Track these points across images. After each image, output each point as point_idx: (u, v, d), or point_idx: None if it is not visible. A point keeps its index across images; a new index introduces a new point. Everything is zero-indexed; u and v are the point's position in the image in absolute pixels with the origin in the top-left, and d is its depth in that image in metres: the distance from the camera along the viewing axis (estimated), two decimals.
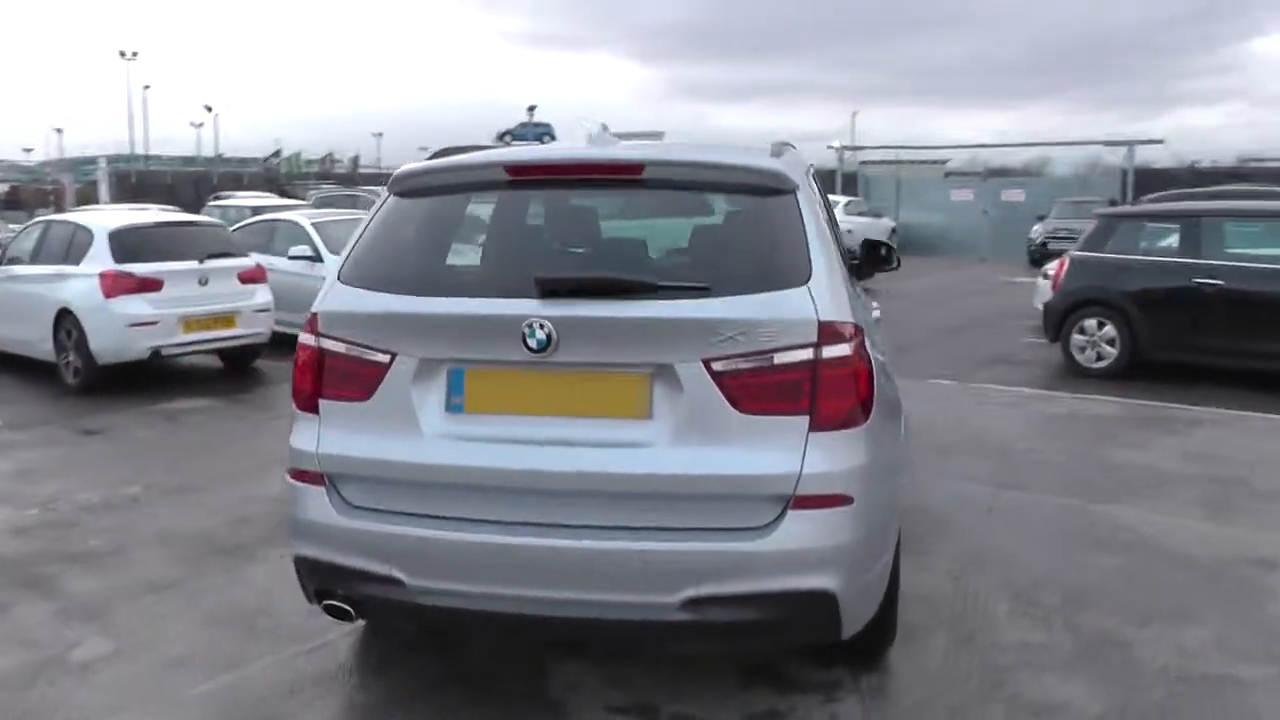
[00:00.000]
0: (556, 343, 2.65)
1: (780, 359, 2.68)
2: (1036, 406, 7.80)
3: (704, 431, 2.67)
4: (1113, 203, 22.58)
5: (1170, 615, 3.90)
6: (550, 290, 2.69)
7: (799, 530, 2.67)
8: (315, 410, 2.93)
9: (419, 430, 2.79)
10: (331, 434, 2.88)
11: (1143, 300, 8.58)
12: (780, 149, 3.23)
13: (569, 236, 3.15)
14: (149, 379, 8.48)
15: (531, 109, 49.29)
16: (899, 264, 4.34)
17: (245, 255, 8.71)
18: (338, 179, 39.89)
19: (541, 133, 52.06)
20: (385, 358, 2.81)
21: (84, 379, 7.92)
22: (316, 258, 9.88)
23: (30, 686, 3.38)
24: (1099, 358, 8.89)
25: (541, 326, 2.65)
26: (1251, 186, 16.24)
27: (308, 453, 2.91)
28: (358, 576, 2.83)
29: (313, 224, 10.31)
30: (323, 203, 17.07)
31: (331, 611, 2.95)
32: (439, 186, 3.13)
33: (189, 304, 7.99)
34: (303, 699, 3.26)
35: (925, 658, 3.54)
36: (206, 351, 8.65)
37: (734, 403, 2.67)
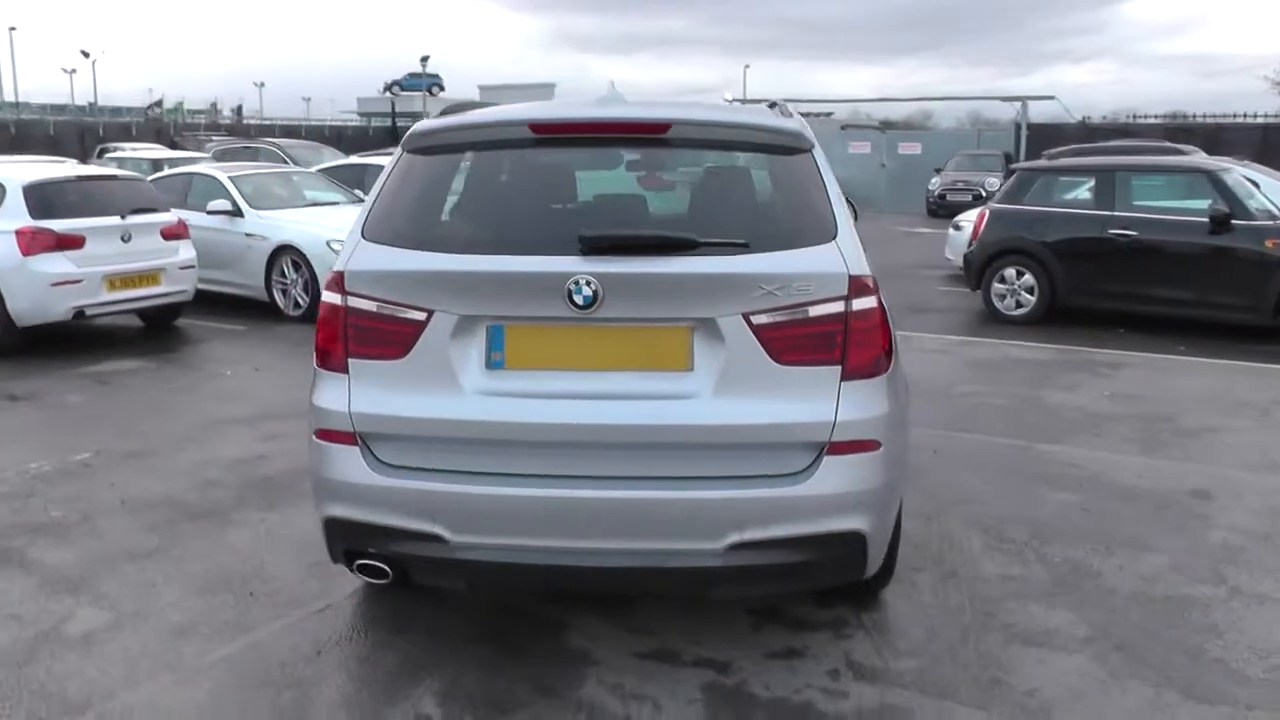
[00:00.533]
0: (602, 299, 2.69)
1: (814, 311, 2.78)
2: (966, 352, 8.16)
3: (744, 382, 2.76)
4: (1008, 157, 23.47)
5: (1128, 544, 4.21)
6: (594, 247, 2.72)
7: (834, 475, 2.80)
8: (343, 369, 2.88)
9: (459, 387, 2.79)
10: (364, 393, 2.85)
11: (1060, 250, 9.03)
12: (784, 109, 3.30)
13: (598, 195, 3.15)
14: (70, 341, 8.08)
15: (424, 59, 48.12)
16: (857, 216, 4.50)
17: (167, 210, 8.32)
18: (228, 130, 38.12)
19: (431, 83, 50.91)
20: (422, 315, 2.79)
21: (2, 343, 7.48)
22: (236, 212, 9.53)
23: (31, 661, 3.26)
24: (1018, 305, 9.33)
25: (588, 283, 2.68)
26: (1141, 141, 17.11)
27: (337, 412, 2.87)
28: (396, 535, 2.83)
29: (230, 178, 9.90)
30: (222, 155, 16.32)
31: (364, 571, 2.94)
32: (460, 144, 3.10)
33: (112, 261, 7.60)
34: (328, 662, 3.25)
35: (917, 594, 3.74)
36: (131, 311, 8.26)
37: (772, 354, 2.77)
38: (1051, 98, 29.11)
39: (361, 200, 10.77)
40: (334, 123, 42.66)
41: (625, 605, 3.59)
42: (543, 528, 2.77)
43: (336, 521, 2.91)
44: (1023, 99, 27.34)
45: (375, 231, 2.92)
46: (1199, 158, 11.31)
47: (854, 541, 2.86)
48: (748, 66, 78.86)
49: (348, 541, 2.94)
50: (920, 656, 3.29)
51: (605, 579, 2.92)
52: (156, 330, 8.77)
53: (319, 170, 12.25)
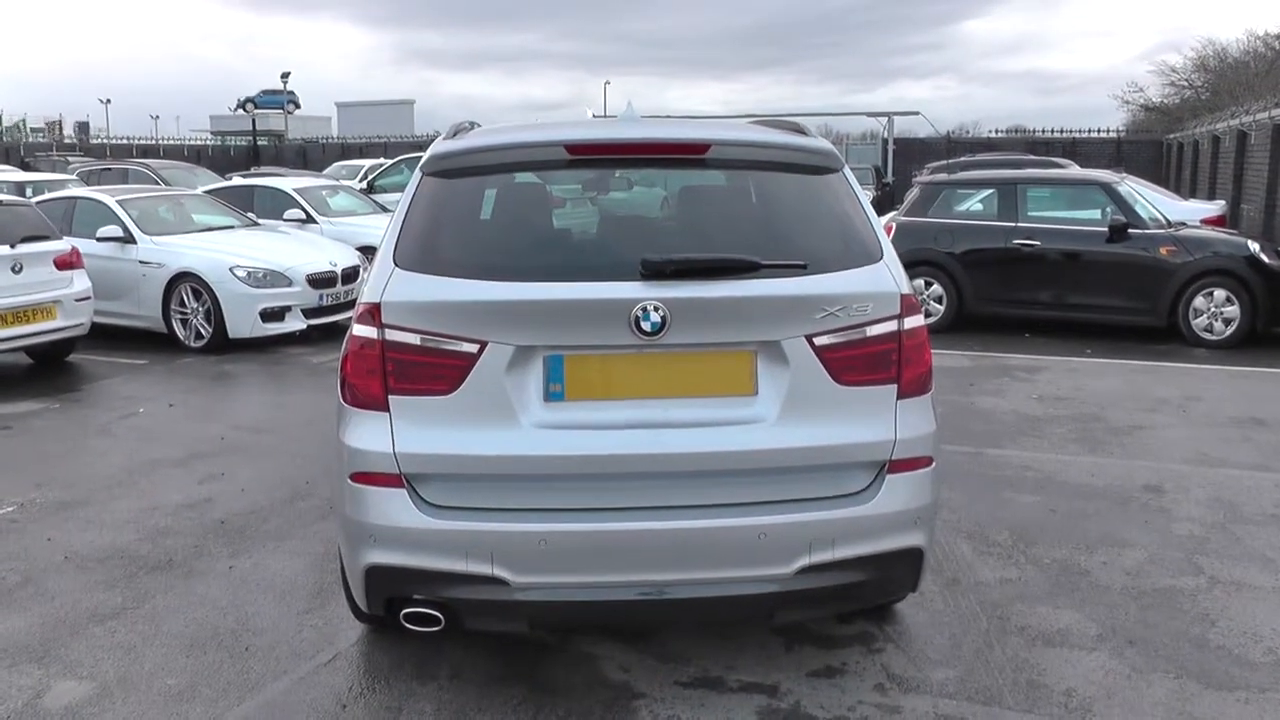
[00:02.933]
0: (669, 325, 2.62)
1: (871, 331, 2.80)
2: None
3: (808, 404, 2.74)
4: (878, 170, 24.43)
5: (1104, 542, 4.40)
6: (657, 272, 2.65)
7: (896, 493, 2.81)
8: (382, 407, 2.71)
9: (517, 422, 2.66)
10: (410, 431, 2.68)
11: (967, 260, 9.44)
12: (803, 128, 3.32)
13: (640, 217, 3.08)
14: None
15: (285, 76, 46.50)
16: None
17: (59, 238, 7.71)
18: (82, 150, 35.75)
19: (287, 100, 49.24)
20: (474, 348, 2.65)
21: None
22: (128, 239, 8.92)
23: None
24: (927, 314, 9.66)
25: (656, 309, 2.61)
26: (1012, 154, 18.11)
27: (378, 453, 2.69)
28: (451, 579, 2.67)
29: (118, 201, 9.27)
30: (88, 178, 15.25)
31: (413, 620, 2.76)
32: (488, 166, 2.97)
33: (3, 294, 6.99)
34: (357, 717, 3.04)
35: (928, 603, 3.80)
36: (22, 349, 7.61)
37: (834, 375, 2.76)
38: (916, 113, 30.51)
39: (257, 224, 10.28)
40: (193, 141, 40.54)
41: (651, 633, 3.51)
42: (611, 563, 2.67)
43: (380, 569, 2.72)
44: (889, 114, 28.57)
45: (409, 259, 2.76)
46: (1094, 170, 12.06)
47: (913, 558, 2.89)
48: (608, 83, 79.29)
49: (392, 590, 2.76)
50: (955, 665, 3.34)
51: (673, 611, 2.85)
52: (48, 368, 8.11)
53: (206, 192, 11.62)
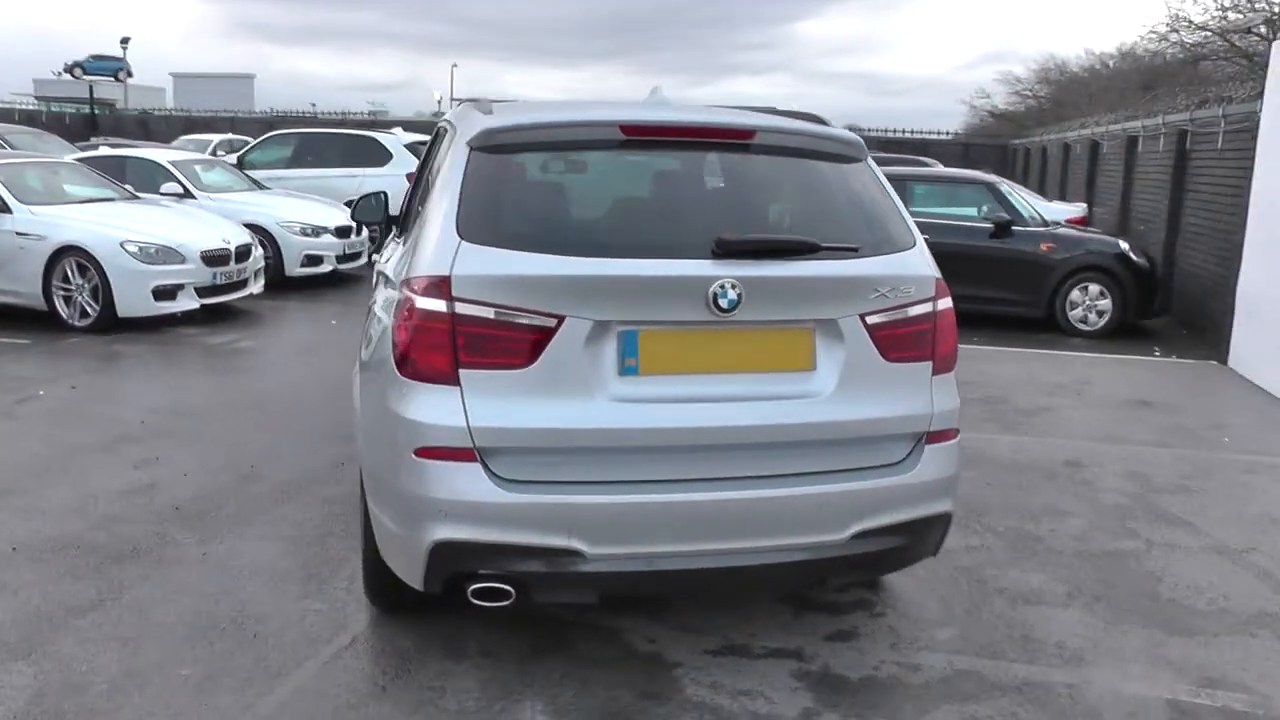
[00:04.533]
0: (742, 302, 2.72)
1: (912, 312, 2.99)
2: None
3: (860, 380, 2.90)
4: None
5: (1046, 512, 4.79)
6: (729, 250, 2.74)
7: (932, 462, 3.02)
8: (452, 381, 2.68)
9: (594, 395, 2.70)
10: (483, 405, 2.66)
11: None
12: (823, 119, 3.48)
13: (694, 198, 3.13)
14: None
15: (125, 41, 43.42)
16: None
17: None
18: None
19: (118, 68, 46.03)
20: (552, 322, 2.66)
21: None
22: (3, 208, 8.21)
23: None
24: None
25: (733, 287, 2.70)
26: (882, 154, 18.99)
27: (449, 427, 2.66)
28: (525, 553, 2.68)
29: None
30: None
31: (481, 596, 2.75)
32: (543, 143, 2.98)
33: None
34: (403, 698, 2.99)
35: (910, 570, 4.01)
36: None
37: (882, 352, 2.93)
38: (774, 109, 31.34)
39: (137, 197, 9.66)
40: (25, 106, 37.10)
41: (665, 606, 3.60)
42: (682, 533, 2.75)
43: (449, 545, 2.69)
44: (746, 110, 29.29)
45: (475, 233, 2.74)
46: (977, 171, 12.82)
47: (943, 522, 3.10)
48: (455, 65, 77.71)
49: (459, 566, 2.74)
50: (952, 625, 3.59)
51: (736, 578, 2.94)
52: None
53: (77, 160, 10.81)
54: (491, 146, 2.92)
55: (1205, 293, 9.21)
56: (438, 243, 2.76)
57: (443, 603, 3.33)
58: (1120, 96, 21.38)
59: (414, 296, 2.74)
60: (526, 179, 2.94)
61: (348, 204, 11.21)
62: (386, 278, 3.61)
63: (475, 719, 2.90)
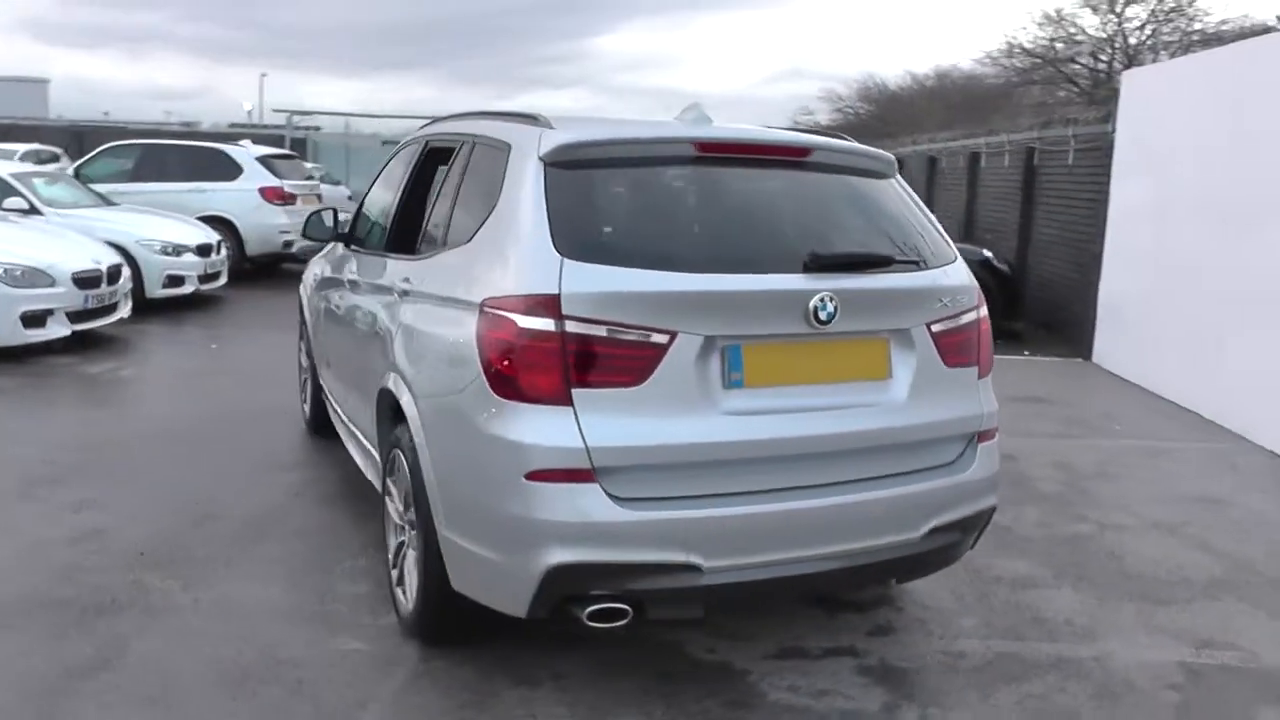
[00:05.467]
0: (838, 314, 2.81)
1: (963, 320, 3.19)
2: None
3: (927, 385, 3.06)
4: None
5: (1002, 502, 5.09)
6: (822, 265, 2.83)
7: (983, 460, 3.22)
8: (564, 401, 2.63)
9: (705, 410, 2.72)
10: (599, 424, 2.63)
11: None
12: (849, 137, 3.65)
13: (775, 213, 3.17)
14: None
15: None
16: None
17: None
18: None
19: None
20: (665, 338, 2.66)
21: None
22: None
23: None
24: None
25: (831, 299, 2.79)
26: None
27: (566, 449, 2.61)
28: (642, 571, 2.66)
29: None
30: None
31: (597, 617, 2.70)
32: (619, 159, 2.98)
33: None
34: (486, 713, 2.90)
35: None
36: None
37: (944, 358, 3.10)
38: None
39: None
40: None
41: (709, 616, 3.63)
42: (787, 540, 2.80)
43: (566, 568, 2.63)
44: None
45: (575, 250, 2.70)
46: None
47: (989, 516, 3.31)
48: (264, 75, 74.09)
49: (573, 589, 2.68)
50: (972, 613, 3.81)
51: (834, 581, 3.03)
52: None
53: None
54: (568, 162, 2.89)
55: (1064, 297, 10.09)
56: (532, 260, 2.70)
57: (487, 631, 3.28)
58: (947, 114, 23.05)
59: (513, 316, 2.67)
60: (611, 195, 2.93)
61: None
62: (403, 292, 3.48)
63: None
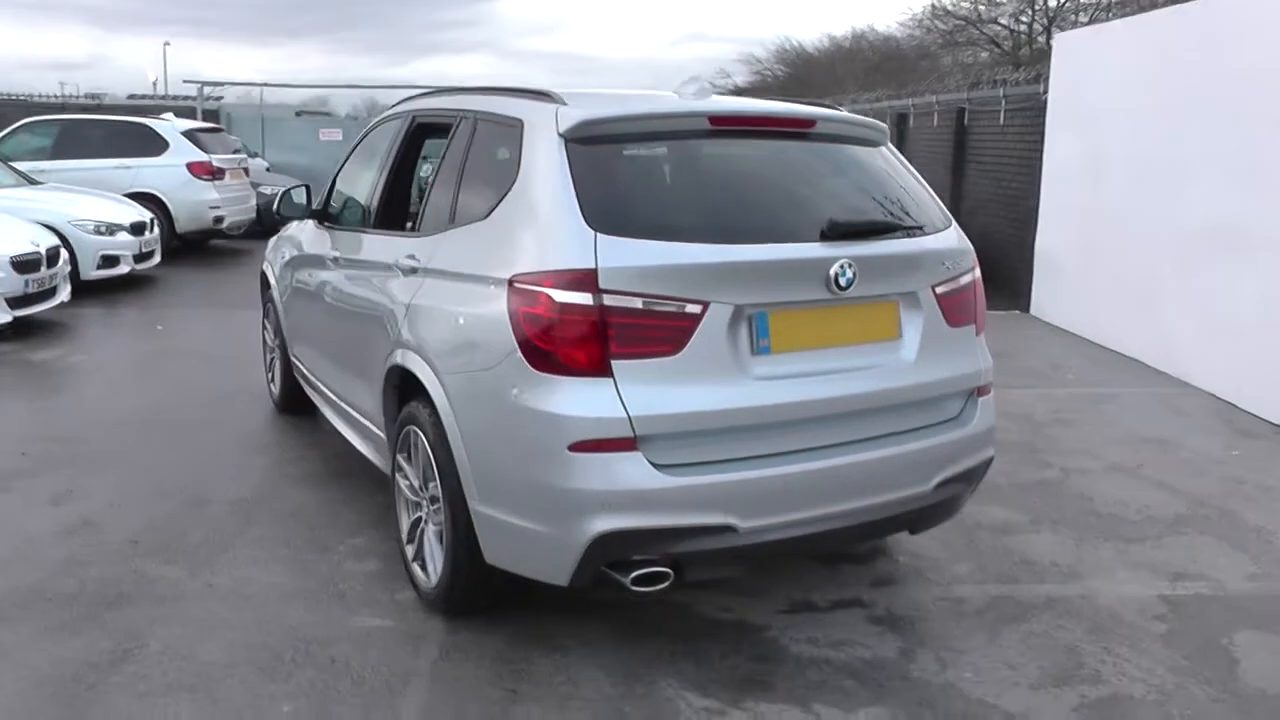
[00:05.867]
0: (855, 280, 2.92)
1: (962, 281, 3.33)
2: None
3: (933, 344, 3.20)
4: None
5: None
6: (840, 233, 2.94)
7: (983, 414, 3.39)
8: (603, 372, 2.69)
9: (736, 376, 2.81)
10: (639, 394, 2.70)
11: None
12: (839, 105, 3.74)
13: (786, 183, 3.24)
14: None
15: None
16: None
17: None
18: None
19: None
20: (698, 309, 2.74)
21: None
22: None
23: None
24: None
25: (850, 266, 2.89)
26: None
27: (608, 419, 2.68)
28: (683, 534, 2.76)
29: None
30: None
31: (642, 581, 2.79)
32: (636, 134, 3.03)
33: None
34: (540, 698, 2.96)
35: None
36: None
37: (947, 319, 3.25)
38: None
39: None
40: None
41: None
42: (816, 498, 2.93)
43: (612, 535, 2.71)
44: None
45: (607, 225, 2.75)
46: None
47: (988, 466, 3.48)
48: (168, 43, 70.72)
49: (617, 555, 2.76)
50: (964, 560, 4.01)
51: (855, 534, 3.17)
52: None
53: None
54: (588, 138, 2.93)
55: (1000, 251, 10.41)
56: (566, 236, 2.74)
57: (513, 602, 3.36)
58: (867, 76, 23.40)
59: (550, 291, 2.71)
60: (632, 169, 2.97)
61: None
62: (410, 270, 3.47)
63: (623, 704, 2.93)
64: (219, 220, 12.43)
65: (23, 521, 4.25)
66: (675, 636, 3.32)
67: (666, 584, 2.82)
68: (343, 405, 4.40)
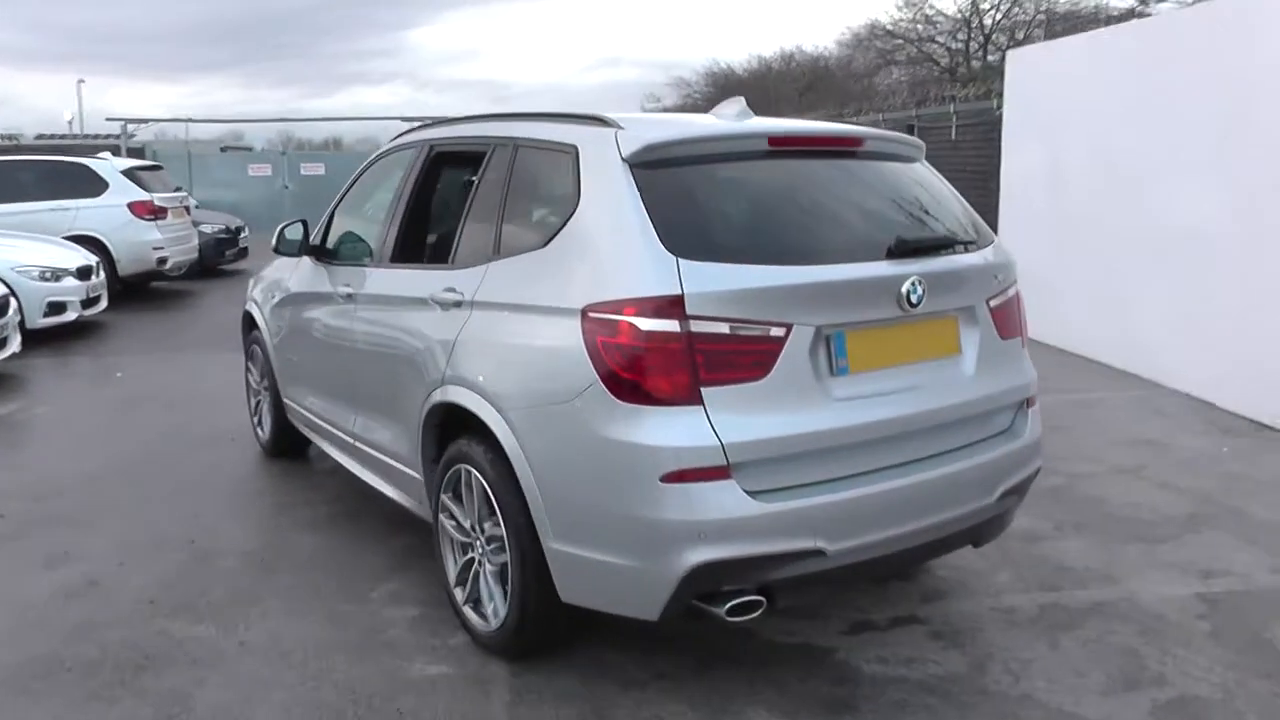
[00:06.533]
0: (924, 297, 2.94)
1: (1009, 294, 3.38)
2: None
3: (989, 358, 3.23)
4: None
5: None
6: (907, 251, 2.95)
7: (1032, 425, 3.42)
8: (693, 400, 2.65)
9: (819, 398, 2.79)
10: (730, 420, 2.66)
11: None
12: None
13: (846, 202, 3.21)
14: None
15: None
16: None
17: None
18: None
19: None
20: (782, 331, 2.72)
21: None
22: None
23: None
24: None
25: (920, 283, 2.90)
26: None
27: (703, 447, 2.63)
28: (775, 561, 2.71)
29: None
30: None
31: (737, 611, 2.73)
32: (698, 156, 3.00)
33: None
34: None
35: None
36: None
37: (1000, 332, 3.28)
38: (449, 119, 31.40)
39: None
40: None
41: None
42: (897, 516, 2.91)
43: (706, 567, 2.64)
44: (428, 119, 28.96)
45: (685, 249, 2.71)
46: None
47: (1036, 476, 3.52)
48: (82, 81, 68.47)
49: (711, 585, 2.70)
50: (1003, 570, 4.04)
51: (930, 551, 3.16)
52: None
53: None
54: (652, 162, 2.90)
55: None
56: (646, 262, 2.69)
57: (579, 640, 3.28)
58: (803, 96, 23.83)
59: (632, 320, 2.66)
60: (700, 192, 2.93)
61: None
62: (454, 303, 3.37)
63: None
64: (162, 261, 12.04)
65: (19, 587, 4.00)
66: (748, 665, 3.27)
67: (759, 612, 2.77)
68: (361, 447, 4.25)
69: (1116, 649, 3.38)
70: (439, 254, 3.80)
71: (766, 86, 31.00)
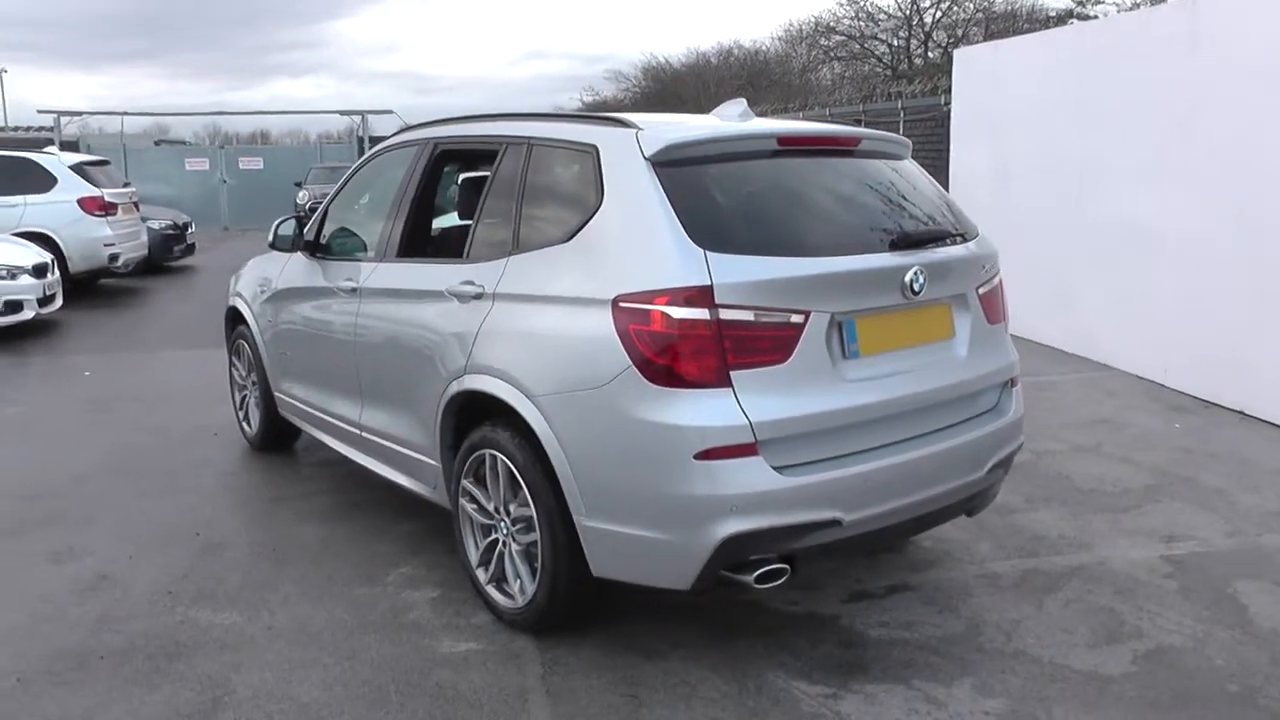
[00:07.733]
0: (925, 285, 3.17)
1: (995, 281, 3.64)
2: None
3: (978, 341, 3.48)
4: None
5: None
6: (909, 243, 3.18)
7: (1015, 403, 3.69)
8: (722, 383, 2.85)
9: (834, 379, 3.00)
10: (757, 401, 2.86)
11: None
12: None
13: (850, 198, 3.42)
14: None
15: None
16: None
17: None
18: None
19: None
20: (801, 318, 2.92)
21: None
22: None
23: None
24: None
25: (922, 273, 3.14)
26: None
27: (734, 426, 2.83)
28: (798, 531, 2.92)
29: None
30: None
31: (765, 579, 2.94)
32: (715, 156, 3.19)
33: None
34: (664, 701, 3.05)
35: None
36: None
37: (988, 317, 3.54)
38: (390, 111, 31.08)
39: None
40: None
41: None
42: (904, 488, 3.14)
43: (737, 538, 2.85)
44: (363, 112, 28.76)
45: (711, 242, 2.90)
46: None
47: (1019, 451, 3.79)
48: (5, 70, 65.56)
49: (739, 555, 2.90)
50: (983, 540, 4.31)
51: (932, 520, 3.39)
52: None
53: None
54: (673, 161, 3.08)
55: None
56: (675, 255, 2.88)
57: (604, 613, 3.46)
58: (740, 91, 24.18)
59: (664, 309, 2.84)
60: (720, 189, 3.12)
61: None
62: (475, 295, 3.50)
63: (744, 699, 3.06)
64: (114, 258, 11.86)
65: (31, 583, 4.03)
66: (761, 632, 3.48)
67: (784, 579, 2.98)
68: (369, 438, 4.36)
69: (1096, 608, 3.67)
70: (451, 248, 3.92)
71: (705, 81, 31.42)
